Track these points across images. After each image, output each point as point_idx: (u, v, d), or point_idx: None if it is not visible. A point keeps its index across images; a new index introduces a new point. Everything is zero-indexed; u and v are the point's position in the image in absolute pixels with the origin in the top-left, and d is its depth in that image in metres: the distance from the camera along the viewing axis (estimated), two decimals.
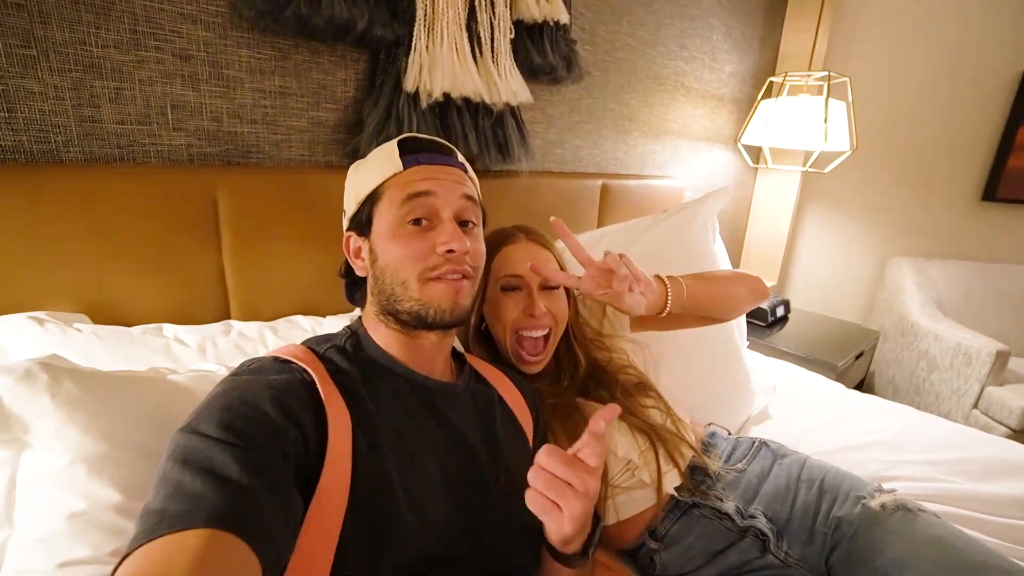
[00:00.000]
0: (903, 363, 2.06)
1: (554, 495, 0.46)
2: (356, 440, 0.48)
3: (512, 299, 0.78)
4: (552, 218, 0.68)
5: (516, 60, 1.15)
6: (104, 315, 0.75)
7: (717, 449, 0.86)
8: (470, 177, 0.62)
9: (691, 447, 0.81)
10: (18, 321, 0.66)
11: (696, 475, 0.80)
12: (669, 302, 0.78)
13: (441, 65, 1.00)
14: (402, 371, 0.58)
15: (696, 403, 1.03)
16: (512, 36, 1.12)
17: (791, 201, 2.33)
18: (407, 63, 0.98)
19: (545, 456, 0.47)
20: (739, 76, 2.08)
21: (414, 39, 0.97)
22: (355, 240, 0.60)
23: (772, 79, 2.07)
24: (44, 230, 0.69)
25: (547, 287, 0.79)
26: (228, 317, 0.86)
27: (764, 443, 0.87)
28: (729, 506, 0.75)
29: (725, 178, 2.20)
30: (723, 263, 1.26)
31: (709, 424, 0.95)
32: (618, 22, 1.49)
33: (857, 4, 2.25)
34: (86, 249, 0.73)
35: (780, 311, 1.97)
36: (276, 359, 0.52)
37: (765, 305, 1.89)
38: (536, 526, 0.62)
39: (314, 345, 0.57)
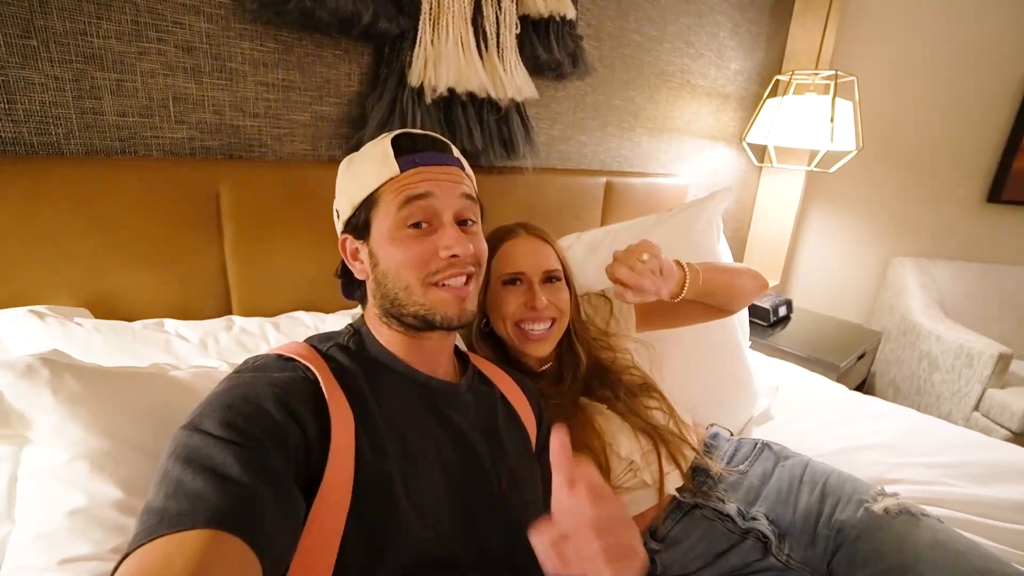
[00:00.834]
0: (904, 363, 2.05)
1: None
2: (359, 439, 0.48)
3: (513, 292, 0.78)
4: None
5: (521, 55, 1.14)
6: (105, 309, 0.74)
7: (719, 450, 0.86)
8: (467, 173, 0.61)
9: (693, 449, 0.81)
10: (19, 315, 0.66)
11: (698, 476, 0.80)
12: (687, 287, 0.80)
13: (446, 60, 0.99)
14: (405, 370, 0.57)
15: (698, 403, 1.03)
16: (518, 31, 1.11)
17: (795, 200, 2.31)
18: (412, 57, 0.97)
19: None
20: (745, 74, 2.07)
21: (419, 33, 0.96)
22: (352, 243, 0.59)
23: (778, 77, 2.05)
24: (44, 223, 0.69)
25: (549, 280, 0.79)
26: (230, 312, 0.86)
27: (767, 444, 0.87)
28: (731, 507, 0.75)
29: (729, 177, 2.19)
30: (727, 261, 1.25)
31: (711, 425, 0.95)
32: (624, 18, 1.48)
33: (865, 3, 2.22)
34: (87, 243, 0.72)
35: (782, 311, 1.96)
36: (280, 356, 0.52)
37: (767, 304, 1.88)
38: None
39: (317, 343, 0.57)
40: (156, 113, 0.79)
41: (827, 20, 2.10)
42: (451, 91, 1.00)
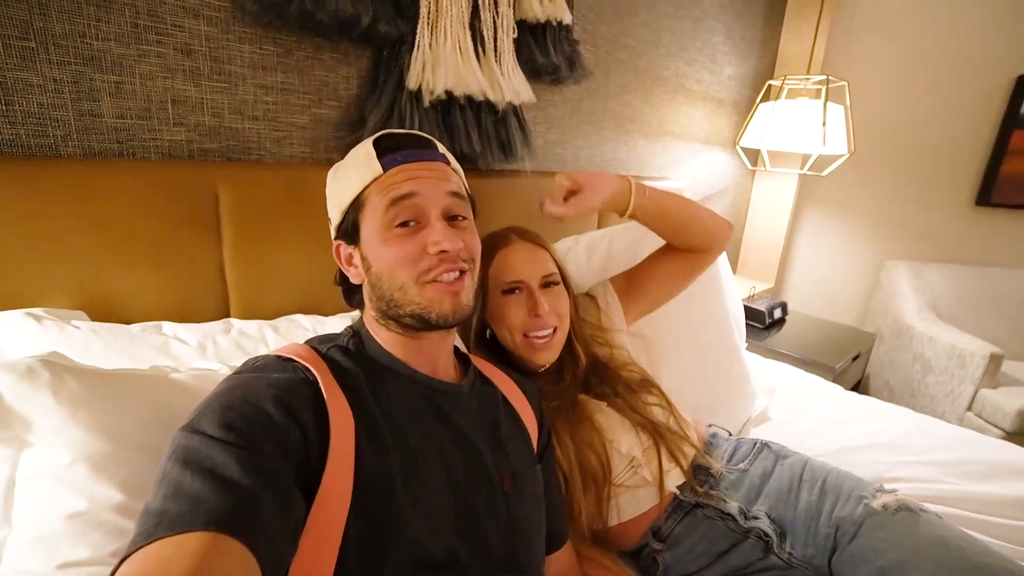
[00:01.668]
0: (898, 365, 2.07)
1: None
2: (359, 440, 0.48)
3: (514, 301, 0.77)
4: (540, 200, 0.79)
5: (519, 60, 1.15)
6: (102, 311, 0.74)
7: (719, 450, 0.86)
8: (453, 169, 0.61)
9: (693, 446, 0.81)
10: (16, 317, 0.65)
11: (699, 475, 0.80)
12: (632, 199, 0.81)
13: (444, 63, 0.99)
14: (405, 371, 0.57)
15: (697, 404, 1.03)
16: (515, 35, 1.12)
17: (788, 204, 2.34)
18: (410, 60, 0.97)
19: None
20: (738, 79, 2.09)
21: (417, 36, 0.97)
22: (344, 248, 0.59)
23: (771, 82, 2.08)
24: (42, 225, 0.68)
25: (547, 285, 0.79)
26: (228, 315, 0.85)
27: (766, 444, 0.87)
28: (732, 507, 0.75)
29: (724, 180, 2.21)
30: (722, 265, 1.26)
31: (710, 425, 0.95)
32: (620, 23, 1.50)
33: (855, 9, 2.26)
34: (84, 245, 0.71)
35: (777, 313, 1.98)
36: (279, 357, 0.51)
37: (763, 307, 1.89)
38: (539, 528, 0.62)
39: (317, 344, 0.56)
40: (155, 115, 0.79)
41: (818, 26, 2.14)
42: (449, 94, 1.01)
